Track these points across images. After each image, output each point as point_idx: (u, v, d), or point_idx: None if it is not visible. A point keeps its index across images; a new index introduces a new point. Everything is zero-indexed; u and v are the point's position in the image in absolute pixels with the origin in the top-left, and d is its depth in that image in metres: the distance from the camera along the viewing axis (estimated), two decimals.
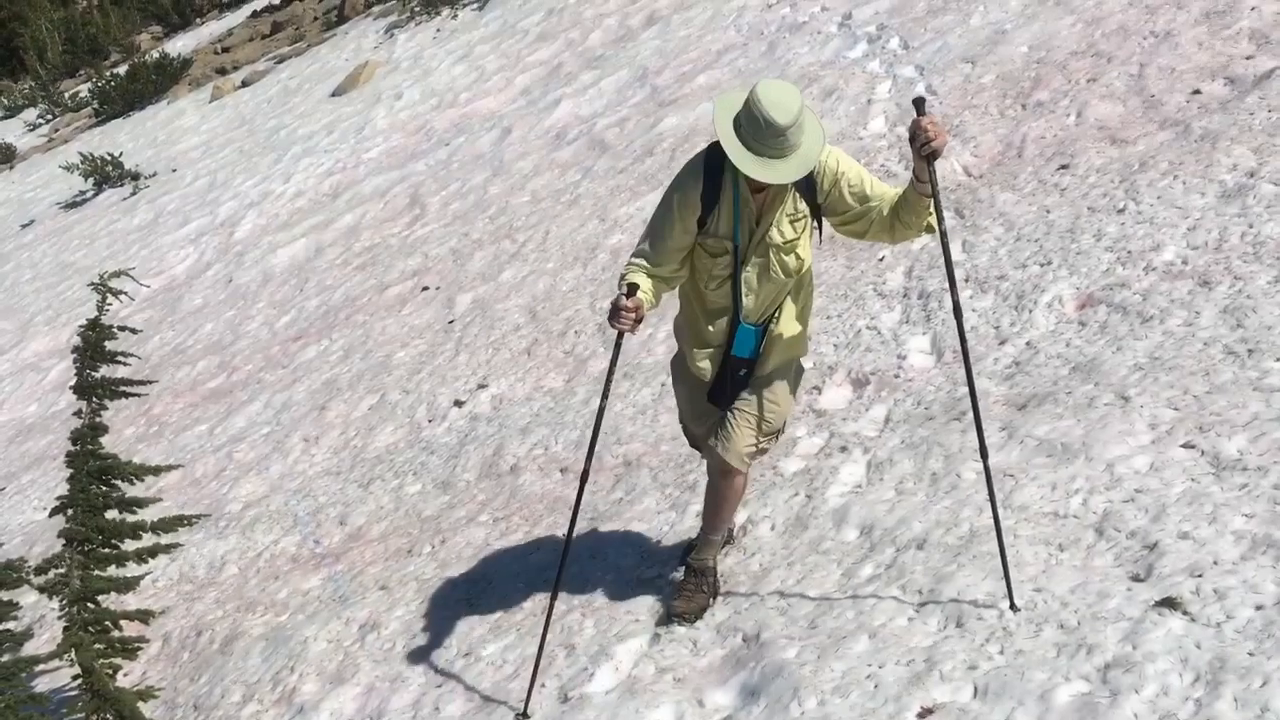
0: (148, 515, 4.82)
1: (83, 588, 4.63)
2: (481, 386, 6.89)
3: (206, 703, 4.86)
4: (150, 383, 5.26)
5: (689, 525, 4.44)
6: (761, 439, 3.76)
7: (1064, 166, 5.95)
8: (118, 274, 4.91)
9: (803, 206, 3.55)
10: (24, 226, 17.37)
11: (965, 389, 4.54)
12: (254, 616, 5.40)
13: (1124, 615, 2.97)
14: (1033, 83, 7.01)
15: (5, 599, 4.59)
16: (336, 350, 8.56)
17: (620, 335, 3.59)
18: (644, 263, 3.63)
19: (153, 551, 4.84)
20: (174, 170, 16.44)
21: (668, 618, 3.85)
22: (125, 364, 4.92)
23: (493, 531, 5.18)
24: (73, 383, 4.90)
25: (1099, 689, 2.77)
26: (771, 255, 3.56)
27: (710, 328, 3.74)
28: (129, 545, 4.78)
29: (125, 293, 5.04)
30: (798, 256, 3.59)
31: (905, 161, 6.73)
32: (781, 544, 4.10)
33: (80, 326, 4.90)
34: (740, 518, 4.35)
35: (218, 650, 5.21)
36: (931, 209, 3.37)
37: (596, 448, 3.75)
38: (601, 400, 3.68)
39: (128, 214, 15.28)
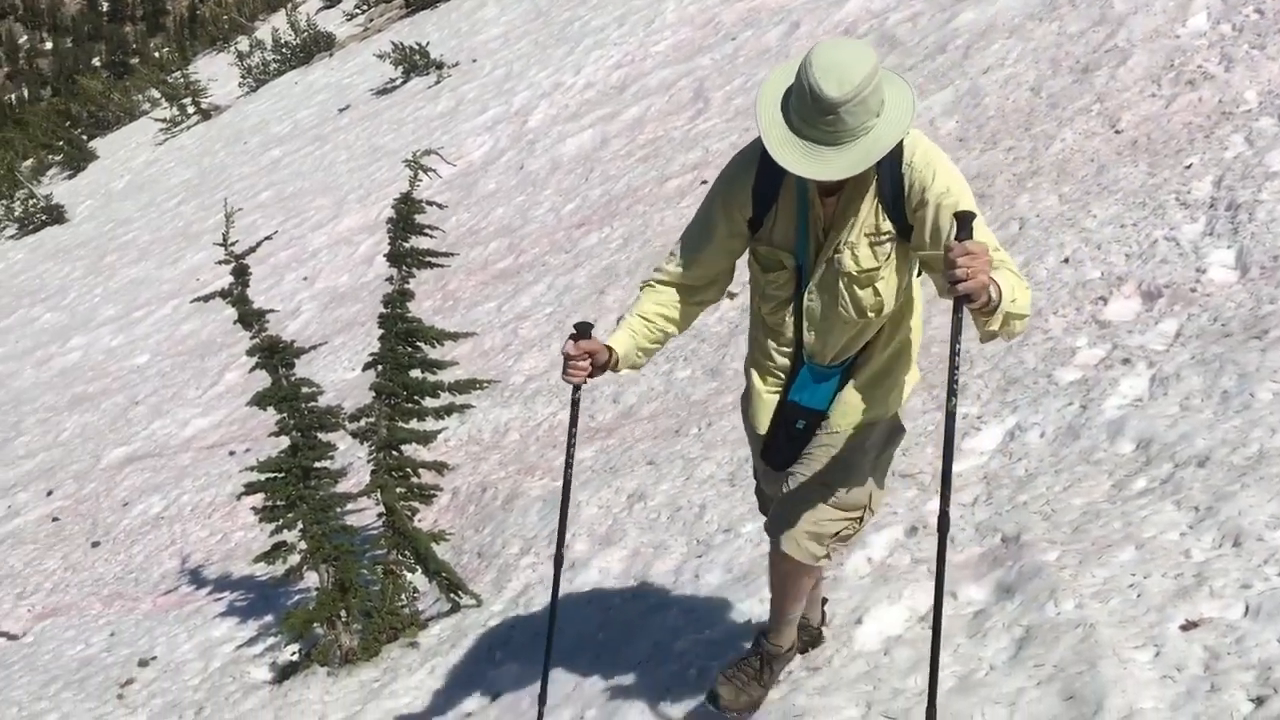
0: (445, 377, 5.26)
1: (389, 436, 5.14)
2: None
3: (489, 551, 5.33)
4: (452, 255, 5.67)
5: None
6: (832, 521, 2.88)
7: None
8: (428, 153, 5.29)
9: (889, 225, 2.67)
10: (341, 111, 18.75)
11: (1270, 307, 4.26)
12: (532, 479, 5.84)
13: None
14: None
15: (324, 440, 5.16)
16: (616, 238, 8.88)
17: (576, 389, 2.92)
18: (663, 276, 2.91)
19: (448, 410, 5.28)
20: (474, 60, 17.24)
21: (710, 697, 3.17)
22: (431, 237, 5.33)
23: None
24: (386, 251, 5.36)
25: None
26: (841, 285, 2.71)
27: (773, 352, 2.93)
28: (428, 402, 5.24)
29: (435, 170, 5.43)
30: (876, 293, 2.70)
31: (1226, 62, 6.22)
32: (1050, 451, 4.03)
33: (393, 201, 5.33)
34: (1009, 423, 4.29)
35: (500, 506, 5.68)
36: (994, 322, 2.44)
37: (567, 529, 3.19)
38: (566, 469, 3.10)
39: (431, 101, 16.21)
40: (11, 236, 23.79)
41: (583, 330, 2.81)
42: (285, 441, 5.13)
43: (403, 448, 5.23)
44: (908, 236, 2.65)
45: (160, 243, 16.89)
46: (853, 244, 2.68)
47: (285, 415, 5.06)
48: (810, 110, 2.45)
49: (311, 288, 11.68)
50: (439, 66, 17.40)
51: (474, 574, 5.19)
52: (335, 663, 4.88)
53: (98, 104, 31.61)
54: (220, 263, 5.32)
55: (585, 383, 2.85)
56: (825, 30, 10.93)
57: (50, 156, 29.37)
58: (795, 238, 2.75)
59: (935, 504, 3.91)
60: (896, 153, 2.61)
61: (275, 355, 5.10)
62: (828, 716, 3.01)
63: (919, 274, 2.84)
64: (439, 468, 5.35)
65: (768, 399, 2.96)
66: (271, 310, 5.47)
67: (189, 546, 7.28)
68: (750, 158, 2.76)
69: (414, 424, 5.23)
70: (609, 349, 2.82)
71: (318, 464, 5.09)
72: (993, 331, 2.47)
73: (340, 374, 8.89)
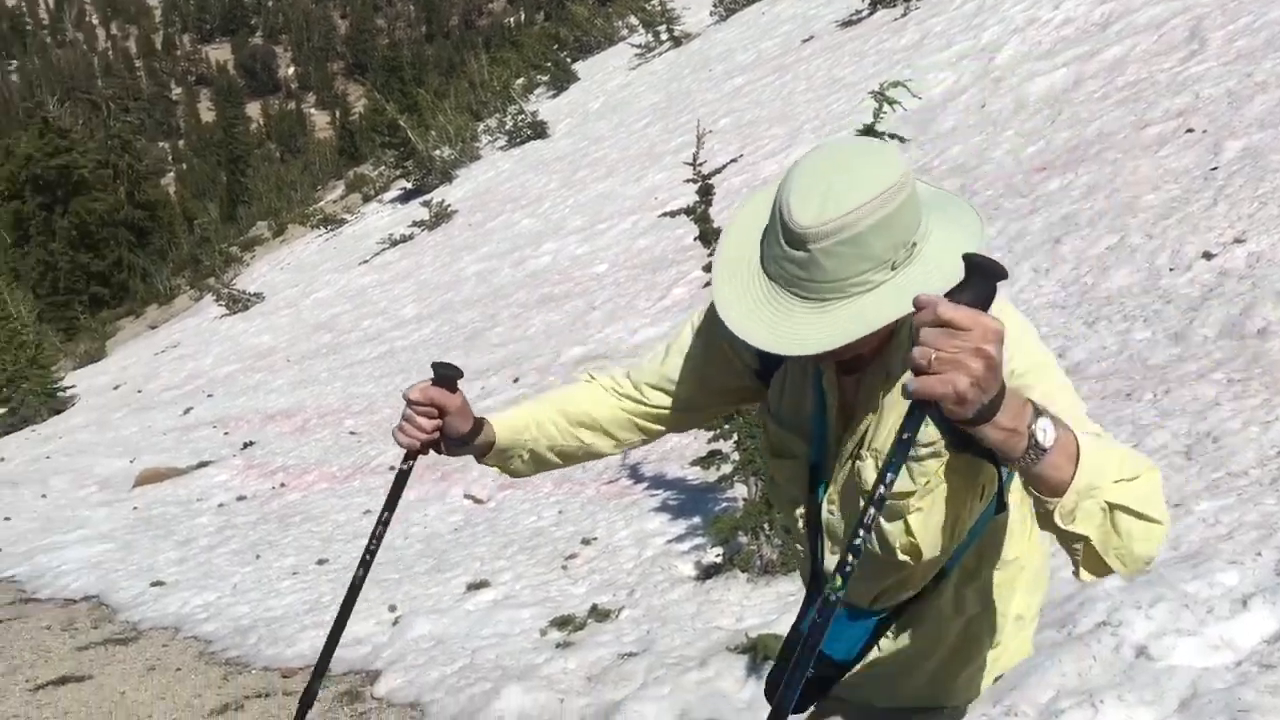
0: None
1: None
2: (1238, 241, 6.36)
3: None
4: None
5: None
6: None
7: None
8: (895, 84, 5.28)
9: (924, 432, 1.57)
10: (804, 41, 18.95)
11: None
12: None
13: None
14: None
15: None
16: (1080, 185, 8.37)
17: (408, 456, 2.00)
18: (617, 382, 2.11)
19: None
20: None
21: None
22: None
23: (1225, 392, 4.90)
24: None
25: None
26: (862, 499, 1.77)
27: (798, 547, 2.04)
28: None
29: (900, 103, 5.40)
30: (908, 530, 1.76)
31: None
32: None
33: (854, 131, 5.37)
34: None
35: None
36: (1072, 516, 1.45)
37: None
38: (364, 553, 2.08)
39: (896, 34, 15.96)
40: (501, 147, 26.46)
41: (443, 375, 1.94)
42: None
43: None
44: (965, 446, 1.54)
45: (626, 161, 18.07)
46: (878, 451, 1.78)
47: None
48: (776, 243, 1.63)
49: None
50: None
51: None
52: (755, 571, 5.14)
53: (583, 29, 34.07)
54: (687, 181, 5.64)
55: (421, 452, 1.97)
56: None
57: (539, 76, 32.14)
58: (809, 420, 1.89)
59: None
60: None
61: None
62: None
63: (996, 512, 1.81)
64: None
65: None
66: None
67: None
68: None
69: None
70: (478, 421, 1.99)
71: None
72: (1074, 537, 1.45)
73: None
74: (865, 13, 18.10)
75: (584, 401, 2.07)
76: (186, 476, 12.33)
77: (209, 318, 27.01)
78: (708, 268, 5.43)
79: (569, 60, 31.57)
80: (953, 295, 1.37)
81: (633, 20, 30.82)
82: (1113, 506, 1.43)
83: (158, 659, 6.53)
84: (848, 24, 18.32)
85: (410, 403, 1.93)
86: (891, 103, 5.23)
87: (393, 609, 6.13)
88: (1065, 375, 1.68)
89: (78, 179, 45.11)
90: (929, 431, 1.67)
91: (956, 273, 1.50)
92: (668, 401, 2.05)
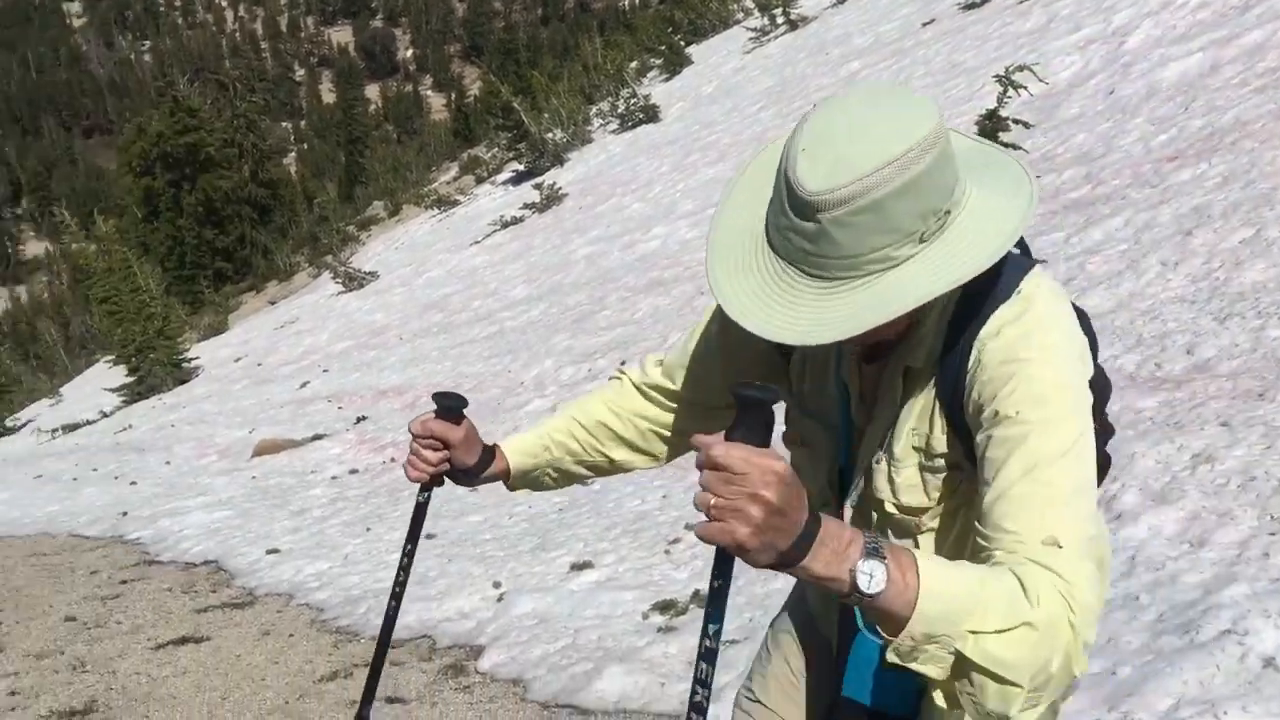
0: None
1: None
2: None
3: None
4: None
5: None
6: None
7: None
8: (1021, 68, 5.12)
9: (941, 440, 1.53)
10: (924, 25, 18.55)
11: None
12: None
13: None
14: None
15: None
16: (1214, 175, 8.03)
17: (423, 488, 1.94)
18: (642, 374, 1.97)
19: None
20: None
21: None
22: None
23: None
24: None
25: None
26: (875, 519, 1.62)
27: (807, 588, 1.89)
28: None
29: (1025, 87, 5.24)
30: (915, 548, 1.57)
31: None
32: None
33: (979, 115, 5.23)
34: None
35: None
36: (911, 654, 1.25)
37: None
38: (390, 600, 2.01)
39: (1021, 17, 15.51)
40: (613, 131, 26.52)
41: (445, 406, 1.87)
42: None
43: None
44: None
45: (737, 146, 17.94)
46: (896, 458, 1.57)
47: None
48: (781, 207, 1.40)
49: None
50: None
51: None
52: None
53: (698, 12, 33.91)
54: None
55: (433, 483, 1.91)
56: None
57: (652, 60, 32.11)
58: (834, 409, 1.68)
59: None
60: (979, 316, 1.47)
61: None
62: None
63: None
64: None
65: (791, 679, 1.91)
66: None
67: None
68: None
69: None
70: (488, 451, 1.91)
71: None
72: (937, 683, 1.28)
73: None
74: None
75: (604, 412, 1.94)
76: (302, 448, 12.69)
77: (326, 294, 27.73)
78: None
79: (682, 44, 31.46)
80: (729, 433, 1.21)
81: (748, 3, 30.56)
82: (963, 658, 1.23)
83: (272, 624, 6.73)
84: (970, 7, 17.87)
85: (414, 436, 1.87)
86: (1017, 86, 5.08)
87: (497, 585, 6.21)
88: (1084, 419, 1.40)
89: (205, 157, 46.70)
90: (939, 440, 1.53)
91: (998, 245, 1.37)
92: (697, 394, 1.88)
